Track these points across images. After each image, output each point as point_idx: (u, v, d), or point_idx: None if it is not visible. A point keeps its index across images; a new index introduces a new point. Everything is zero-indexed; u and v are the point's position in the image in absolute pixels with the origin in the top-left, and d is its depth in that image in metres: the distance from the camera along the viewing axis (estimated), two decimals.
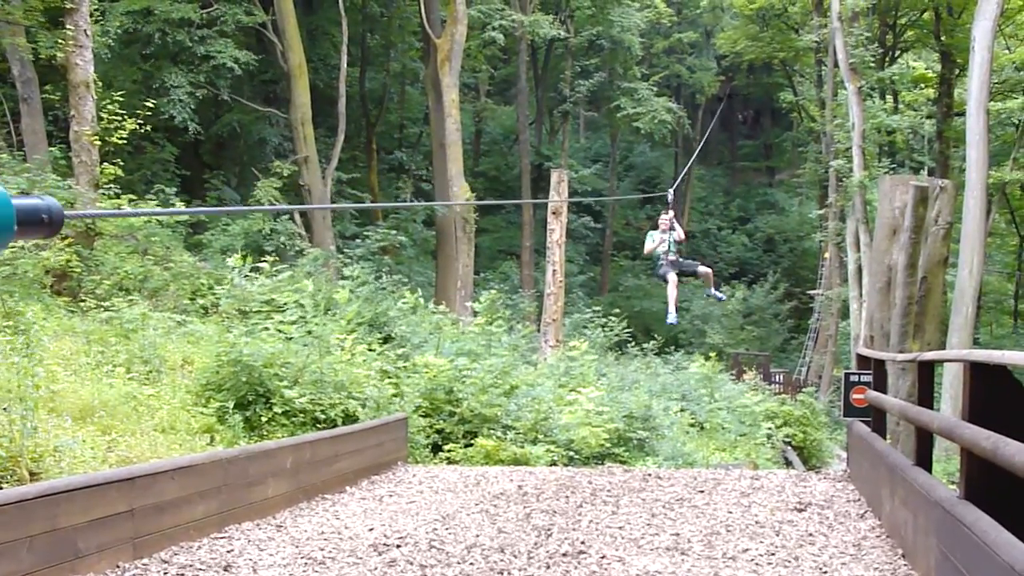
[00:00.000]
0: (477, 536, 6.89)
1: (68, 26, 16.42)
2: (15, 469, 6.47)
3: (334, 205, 28.14)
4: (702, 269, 15.68)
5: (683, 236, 15.13)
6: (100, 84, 18.01)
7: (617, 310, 29.15)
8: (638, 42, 45.46)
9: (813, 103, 43.95)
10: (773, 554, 6.26)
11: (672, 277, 14.94)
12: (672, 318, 15.15)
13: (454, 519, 7.54)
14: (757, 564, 6.00)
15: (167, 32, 25.71)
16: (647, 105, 43.90)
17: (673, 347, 30.55)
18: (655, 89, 46.11)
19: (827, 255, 39.74)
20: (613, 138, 51.31)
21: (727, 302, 44.64)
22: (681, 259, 15.28)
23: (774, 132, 61.89)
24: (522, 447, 12.55)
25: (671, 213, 14.90)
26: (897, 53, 39.30)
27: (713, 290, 15.97)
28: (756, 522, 7.33)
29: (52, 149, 18.71)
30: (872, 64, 32.69)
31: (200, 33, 26.58)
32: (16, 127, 19.76)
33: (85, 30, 16.56)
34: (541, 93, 47.91)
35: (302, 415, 10.53)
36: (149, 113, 18.94)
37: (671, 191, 15.09)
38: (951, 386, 21.45)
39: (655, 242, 15.01)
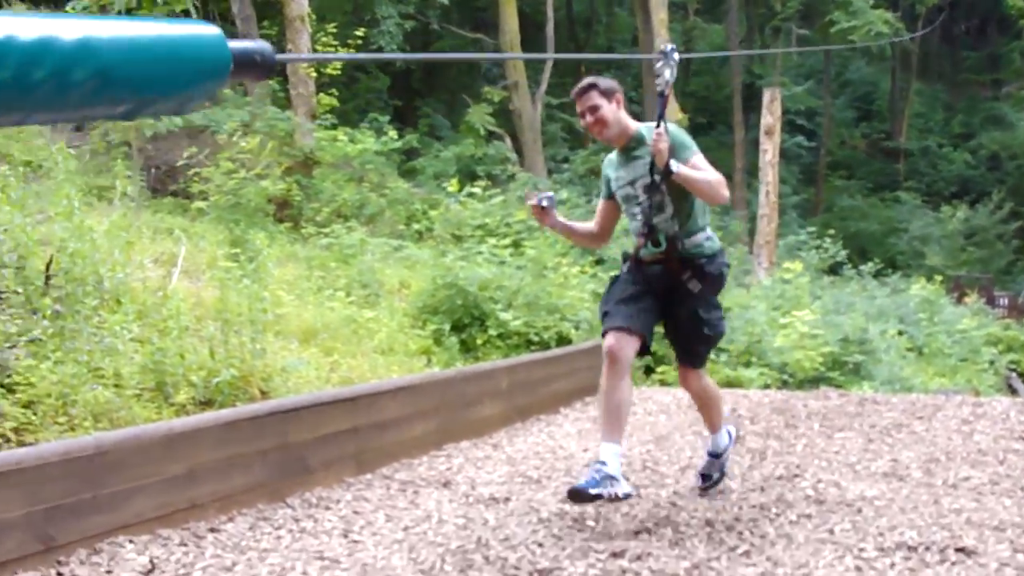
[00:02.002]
0: (691, 458, 6.85)
1: None
2: (247, 388, 6.78)
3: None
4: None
5: (706, 175, 5.19)
6: (314, 17, 18.49)
7: (832, 231, 28.01)
8: None
9: None
10: (996, 483, 5.98)
11: (627, 348, 5.48)
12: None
13: (667, 440, 7.51)
14: (979, 493, 5.74)
15: None
16: (863, 18, 42.00)
17: (891, 269, 29.42)
18: (871, 1, 44.13)
19: None
20: (827, 54, 49.49)
21: (947, 222, 42.60)
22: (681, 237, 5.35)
23: (1001, 42, 58.32)
24: (735, 370, 12.41)
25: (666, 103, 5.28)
26: None
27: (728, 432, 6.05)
28: (978, 450, 7.02)
29: (271, 82, 19.37)
30: None
31: None
32: None
33: None
34: (751, 10, 46.55)
35: (516, 337, 10.67)
36: (360, 44, 19.35)
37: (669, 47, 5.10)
38: None
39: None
